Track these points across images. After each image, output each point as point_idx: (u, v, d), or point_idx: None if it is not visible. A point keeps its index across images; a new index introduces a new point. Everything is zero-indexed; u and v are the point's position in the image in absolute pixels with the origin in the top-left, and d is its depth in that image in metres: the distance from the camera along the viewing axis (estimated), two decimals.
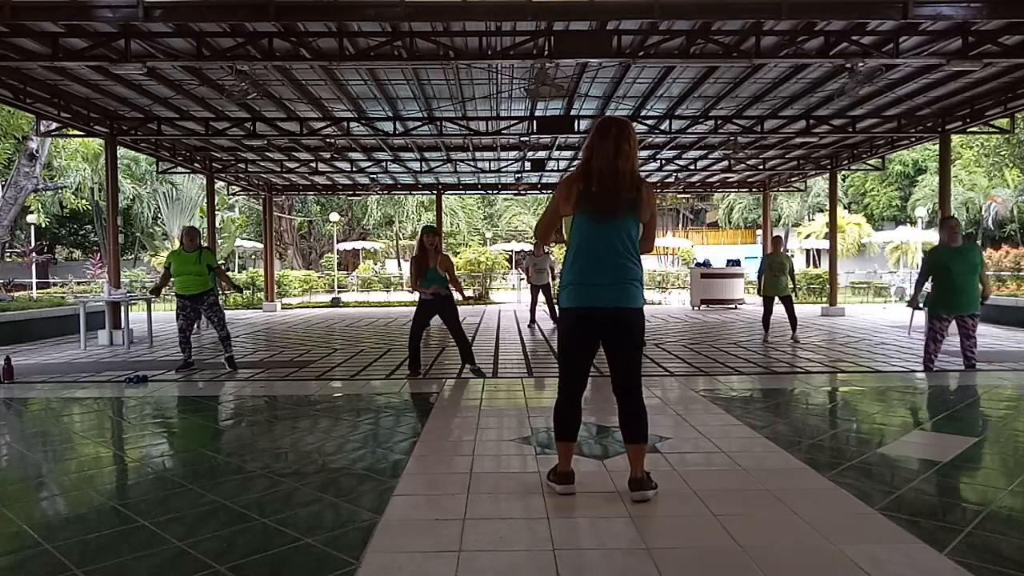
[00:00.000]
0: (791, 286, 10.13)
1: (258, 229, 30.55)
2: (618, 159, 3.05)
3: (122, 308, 10.50)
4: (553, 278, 12.19)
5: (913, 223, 28.01)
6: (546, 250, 12.66)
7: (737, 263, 18.90)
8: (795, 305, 10.34)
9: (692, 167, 17.19)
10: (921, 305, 10.98)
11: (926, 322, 7.06)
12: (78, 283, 24.04)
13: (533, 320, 12.64)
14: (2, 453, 4.40)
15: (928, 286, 6.90)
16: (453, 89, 10.48)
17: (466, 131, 12.38)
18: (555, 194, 3.27)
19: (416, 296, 6.87)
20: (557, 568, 2.46)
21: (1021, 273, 18.11)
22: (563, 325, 3.26)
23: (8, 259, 27.24)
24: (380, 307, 19.28)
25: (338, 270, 30.14)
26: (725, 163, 16.67)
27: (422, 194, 26.32)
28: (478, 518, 2.95)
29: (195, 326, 8.25)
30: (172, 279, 7.67)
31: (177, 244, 24.01)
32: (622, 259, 3.10)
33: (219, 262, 8.53)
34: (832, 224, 17.54)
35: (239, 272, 26.58)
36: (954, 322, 6.78)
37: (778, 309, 10.28)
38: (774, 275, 9.93)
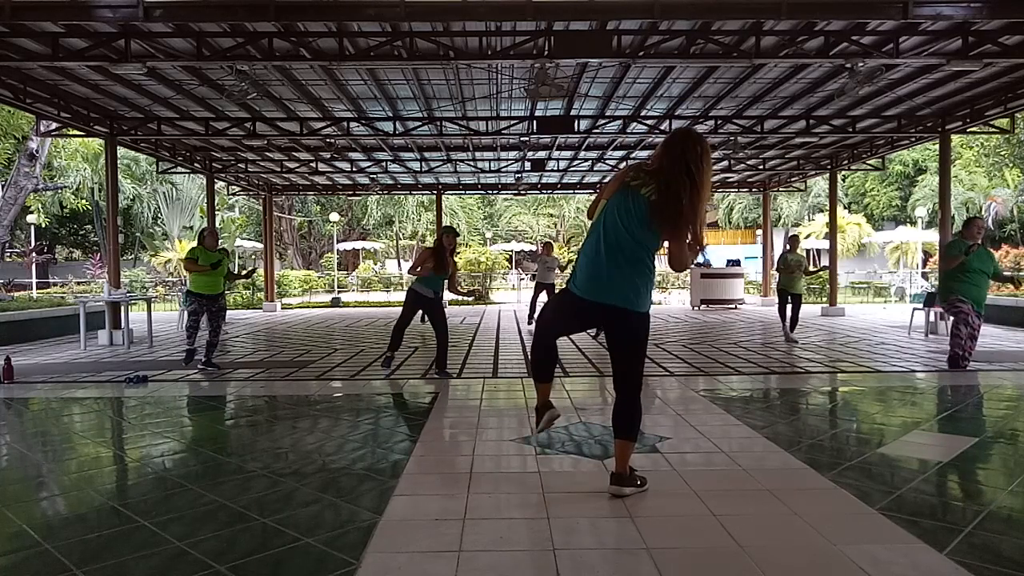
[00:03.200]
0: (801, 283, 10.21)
1: (258, 229, 30.53)
2: (689, 175, 2.98)
3: (122, 308, 10.49)
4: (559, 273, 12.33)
5: (913, 223, 27.98)
6: (553, 251, 12.73)
7: (737, 263, 18.90)
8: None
9: None
10: (922, 305, 10.96)
11: (947, 311, 7.07)
12: (78, 283, 24.03)
13: (532, 317, 12.62)
14: (2, 453, 4.40)
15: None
16: (453, 89, 10.48)
17: (466, 131, 12.38)
18: (608, 180, 3.27)
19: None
20: (557, 568, 2.46)
21: (1021, 273, 18.13)
22: (560, 296, 3.36)
23: (8, 259, 27.23)
24: (380, 307, 19.32)
25: (338, 270, 30.13)
26: (725, 163, 16.66)
27: (422, 194, 26.32)
28: (478, 518, 2.95)
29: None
30: (190, 272, 7.66)
31: (179, 244, 24.09)
32: (632, 262, 3.09)
33: None
34: (832, 224, 17.53)
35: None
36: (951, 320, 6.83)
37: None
38: (791, 272, 9.93)
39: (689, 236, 3.08)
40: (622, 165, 16.30)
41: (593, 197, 3.41)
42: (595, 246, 3.13)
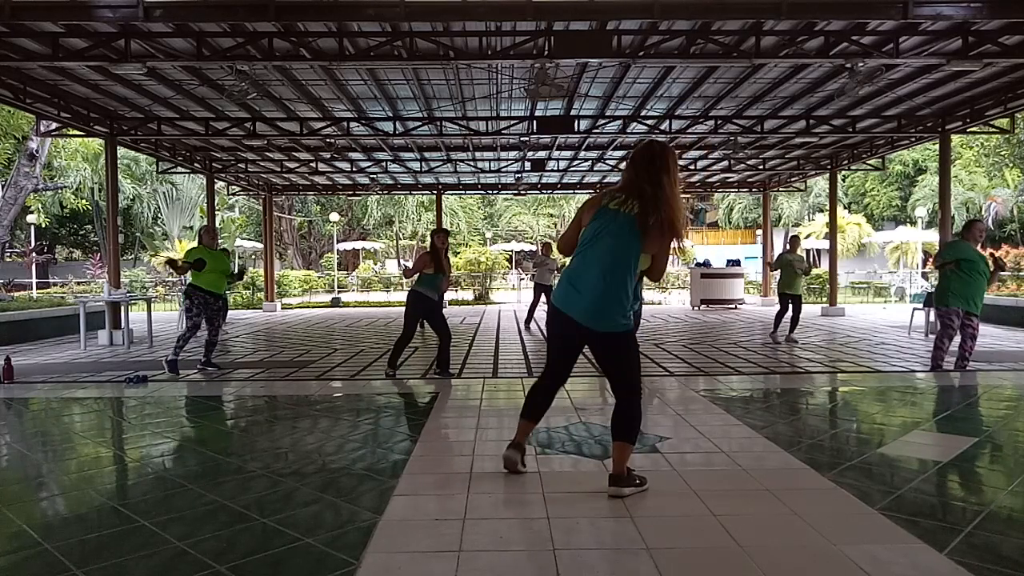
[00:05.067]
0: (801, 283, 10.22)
1: (258, 229, 30.54)
2: (657, 182, 3.06)
3: (122, 308, 10.49)
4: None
5: (913, 223, 27.99)
6: (552, 252, 12.74)
7: (737, 263, 18.91)
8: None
9: (692, 167, 17.19)
10: (921, 305, 10.96)
11: (939, 318, 7.14)
12: (78, 283, 24.03)
13: (530, 320, 12.61)
14: (2, 453, 4.40)
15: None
16: (453, 89, 10.48)
17: (466, 131, 12.38)
18: (582, 206, 3.32)
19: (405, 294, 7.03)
20: (557, 568, 2.46)
21: (1021, 273, 18.12)
22: (548, 318, 3.41)
23: (8, 259, 27.23)
24: (380, 307, 19.32)
25: (338, 270, 30.13)
26: (725, 163, 16.67)
27: (422, 194, 26.33)
28: (478, 518, 2.95)
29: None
30: (187, 273, 7.58)
31: (179, 244, 24.08)
32: (612, 281, 3.10)
33: None
34: (832, 224, 17.53)
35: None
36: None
37: None
38: (792, 273, 9.94)
39: (675, 242, 3.14)
40: (622, 165, 16.30)
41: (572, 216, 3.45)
42: (579, 264, 3.18)
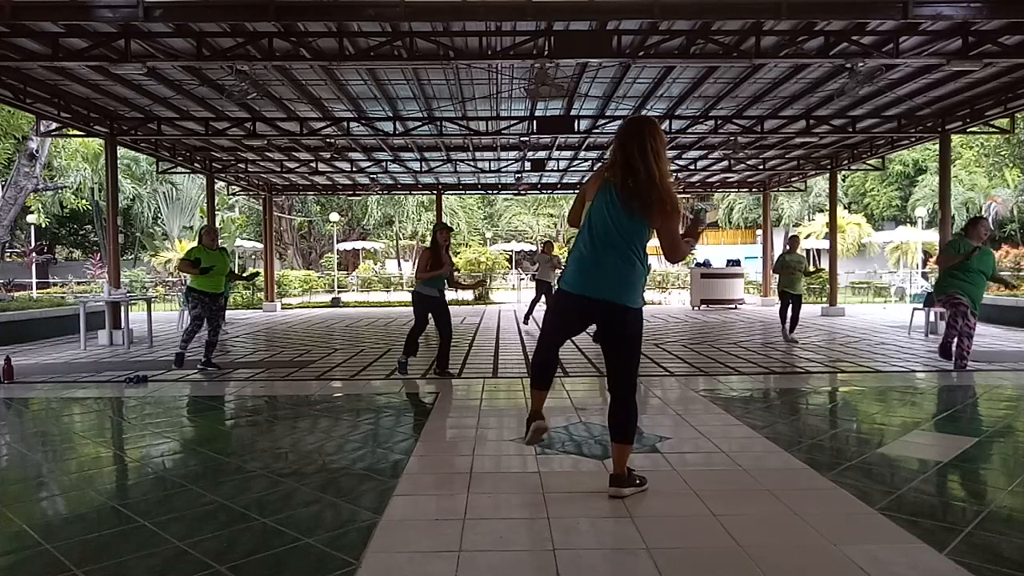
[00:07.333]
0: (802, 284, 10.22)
1: (258, 229, 30.53)
2: (642, 155, 3.05)
3: (122, 308, 10.49)
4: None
5: (913, 223, 27.99)
6: (553, 250, 12.77)
7: (737, 263, 18.91)
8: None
9: (692, 167, 17.20)
10: (921, 305, 10.96)
11: (948, 302, 7.06)
12: (78, 283, 24.02)
13: (530, 315, 12.61)
14: (2, 453, 4.40)
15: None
16: (453, 89, 10.48)
17: (466, 131, 12.38)
18: (587, 180, 3.30)
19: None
20: (557, 568, 2.46)
21: (1021, 273, 18.12)
22: (554, 301, 3.40)
23: (8, 259, 27.22)
24: (380, 307, 19.29)
25: (338, 270, 30.13)
26: (725, 163, 16.66)
27: (422, 194, 26.31)
28: (478, 518, 2.95)
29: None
30: (187, 273, 7.60)
31: (179, 244, 24.08)
32: (621, 256, 3.09)
33: None
34: (832, 224, 17.53)
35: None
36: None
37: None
38: (791, 273, 9.94)
39: (676, 219, 3.11)
40: None
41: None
42: (585, 243, 3.16)
